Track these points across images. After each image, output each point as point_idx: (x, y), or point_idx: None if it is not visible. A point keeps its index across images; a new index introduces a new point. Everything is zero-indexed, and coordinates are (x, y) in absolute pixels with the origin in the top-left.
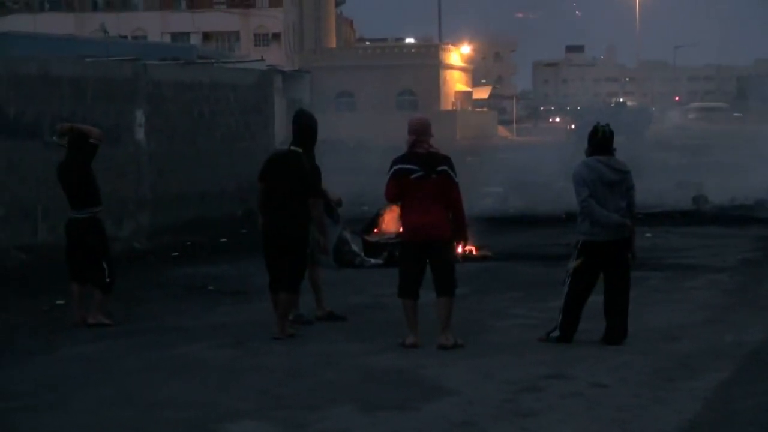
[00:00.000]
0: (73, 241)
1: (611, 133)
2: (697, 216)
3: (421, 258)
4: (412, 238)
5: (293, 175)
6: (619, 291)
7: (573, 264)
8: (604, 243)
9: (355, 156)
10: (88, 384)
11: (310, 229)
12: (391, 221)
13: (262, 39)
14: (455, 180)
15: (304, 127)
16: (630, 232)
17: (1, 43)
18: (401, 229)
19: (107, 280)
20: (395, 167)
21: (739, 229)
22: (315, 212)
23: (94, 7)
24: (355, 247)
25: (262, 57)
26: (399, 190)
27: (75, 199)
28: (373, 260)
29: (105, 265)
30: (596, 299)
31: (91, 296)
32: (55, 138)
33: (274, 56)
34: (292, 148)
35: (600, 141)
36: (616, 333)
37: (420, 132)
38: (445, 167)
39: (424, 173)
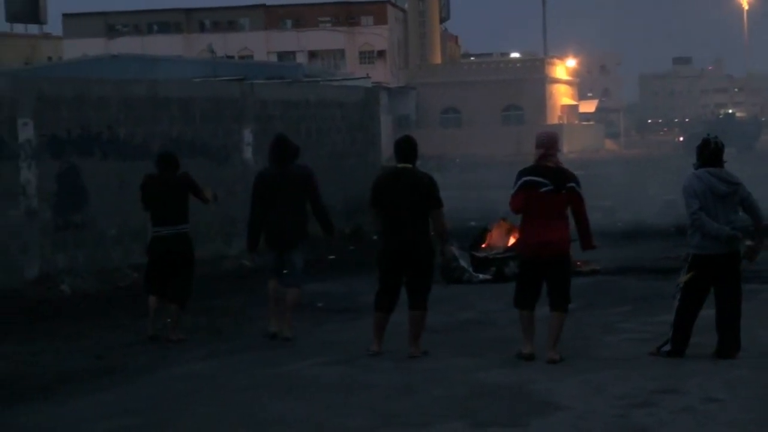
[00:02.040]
0: (159, 258)
1: (722, 145)
2: None
3: (541, 272)
4: (536, 252)
5: (412, 191)
6: (731, 304)
7: (683, 278)
8: (714, 256)
9: (462, 172)
10: (198, 401)
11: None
12: (499, 236)
13: (368, 56)
14: (582, 196)
15: (408, 143)
16: (757, 244)
17: (112, 65)
18: (520, 242)
19: (187, 296)
20: (525, 178)
21: None
22: (437, 223)
23: (201, 29)
24: (464, 263)
25: (367, 74)
26: (525, 202)
27: (167, 215)
28: (481, 276)
29: (190, 283)
30: (708, 312)
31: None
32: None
33: (380, 73)
34: (401, 165)
35: (711, 153)
36: (728, 347)
37: (549, 146)
38: (573, 184)
39: (554, 188)
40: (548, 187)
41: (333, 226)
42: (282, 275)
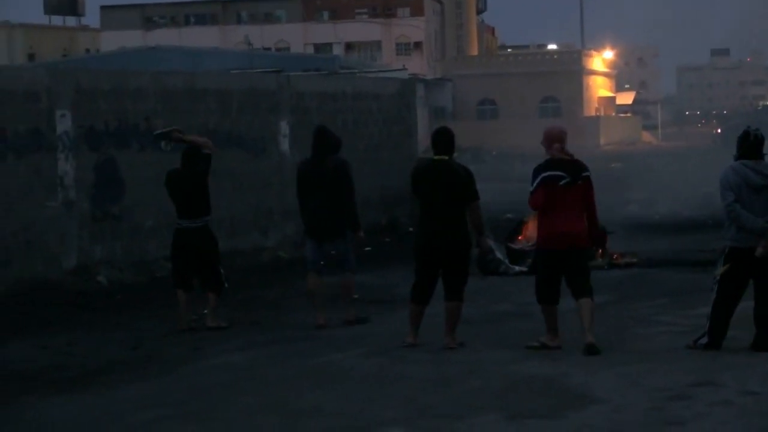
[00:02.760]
0: (183, 249)
1: (762, 137)
2: None
3: (561, 264)
4: (557, 245)
5: (449, 183)
6: None
7: (720, 270)
8: (750, 249)
9: (499, 163)
10: (234, 392)
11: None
12: (534, 228)
13: (404, 48)
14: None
15: (445, 135)
16: None
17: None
18: (541, 235)
19: (225, 284)
20: (544, 174)
21: None
22: (474, 215)
23: (238, 20)
24: (500, 255)
25: (404, 66)
26: (546, 198)
27: (189, 209)
28: (517, 268)
29: (221, 270)
30: (745, 305)
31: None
32: (159, 138)
33: (416, 65)
34: (437, 157)
35: (751, 145)
36: (766, 340)
37: (563, 139)
38: (587, 173)
39: (572, 180)
40: (566, 179)
41: (358, 224)
42: (321, 267)
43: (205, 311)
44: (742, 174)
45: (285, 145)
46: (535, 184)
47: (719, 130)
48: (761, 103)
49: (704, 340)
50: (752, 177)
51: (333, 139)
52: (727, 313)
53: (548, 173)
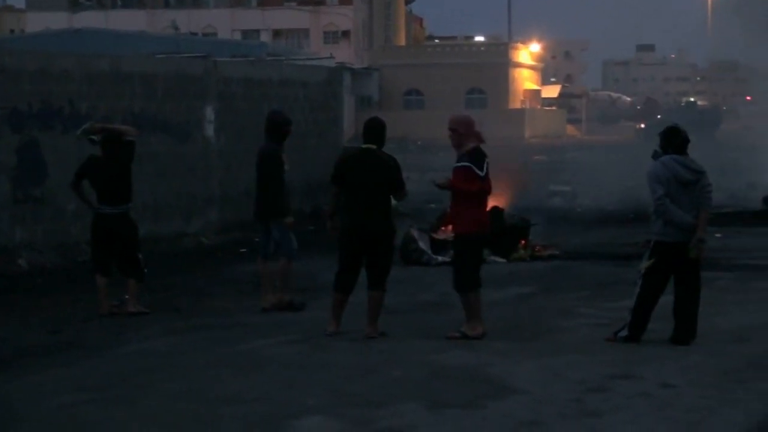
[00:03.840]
0: (102, 235)
1: (686, 132)
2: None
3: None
4: (483, 230)
5: (375, 172)
6: (690, 292)
7: (645, 264)
8: (676, 243)
9: (424, 154)
10: (156, 378)
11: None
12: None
13: (332, 36)
14: None
15: (377, 125)
16: (699, 232)
17: (75, 39)
18: (469, 221)
19: (145, 270)
20: (471, 162)
21: None
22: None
23: (166, 5)
24: (423, 245)
25: (331, 54)
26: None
27: (110, 195)
28: (440, 258)
29: (140, 257)
30: (666, 299)
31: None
32: (84, 136)
33: (344, 54)
34: (365, 146)
35: (683, 141)
36: (684, 333)
37: (475, 127)
38: (488, 160)
39: (486, 167)
40: (486, 167)
41: (278, 211)
42: (266, 252)
43: (126, 297)
44: (671, 169)
45: (210, 130)
46: (485, 170)
47: (643, 125)
48: (684, 99)
49: (624, 333)
50: (681, 172)
51: (272, 124)
52: (649, 307)
53: (474, 161)
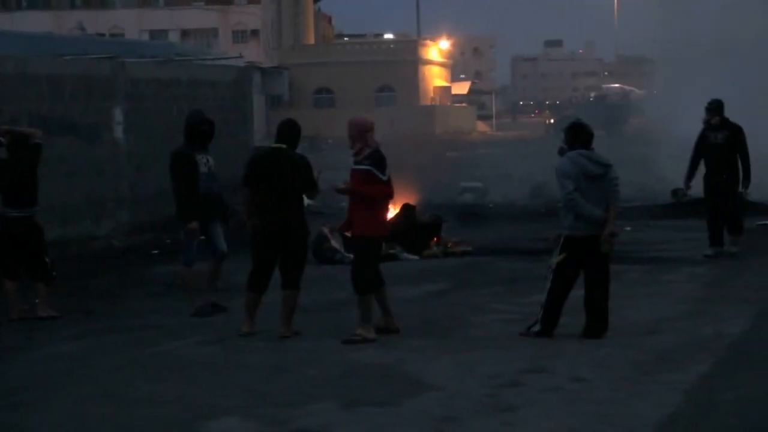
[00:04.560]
0: (9, 239)
1: (590, 127)
2: (676, 209)
3: None
4: (383, 233)
5: (286, 171)
6: (599, 285)
7: (556, 259)
8: (585, 237)
9: (336, 152)
10: (69, 381)
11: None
12: None
13: (241, 36)
14: None
15: (289, 125)
16: (609, 226)
17: None
18: (380, 225)
19: (54, 273)
20: (373, 166)
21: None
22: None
23: (72, 5)
24: (336, 243)
25: (240, 54)
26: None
27: (16, 198)
28: (352, 256)
29: (48, 260)
30: (576, 293)
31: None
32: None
33: (253, 53)
34: (276, 145)
35: (587, 137)
36: (596, 327)
37: (373, 130)
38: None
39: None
40: (387, 172)
41: (180, 215)
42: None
43: (37, 301)
44: (579, 164)
45: (119, 132)
46: (385, 176)
47: (552, 121)
48: (593, 94)
49: (537, 328)
50: (589, 166)
51: (186, 123)
52: (560, 301)
53: (380, 167)
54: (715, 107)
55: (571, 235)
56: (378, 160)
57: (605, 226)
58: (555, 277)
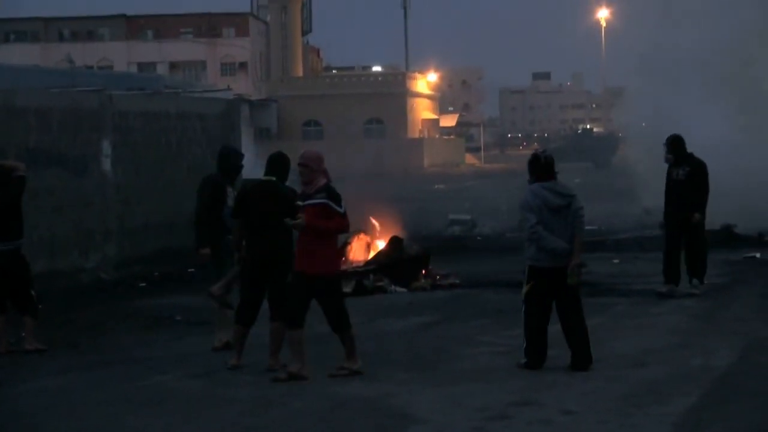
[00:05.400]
0: None
1: (552, 159)
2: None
3: None
4: (334, 271)
5: (274, 203)
6: (573, 316)
7: (524, 289)
8: (550, 269)
9: None
10: (53, 417)
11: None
12: (359, 250)
13: (229, 68)
14: None
15: (279, 158)
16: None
17: None
18: (341, 261)
19: (39, 307)
20: (330, 200)
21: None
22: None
23: (60, 38)
24: None
25: (228, 86)
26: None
27: (2, 231)
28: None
29: (33, 293)
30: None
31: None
32: None
33: (241, 86)
34: (265, 178)
35: (543, 167)
36: (581, 359)
37: (324, 163)
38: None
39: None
40: (343, 205)
41: (196, 241)
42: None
43: (23, 334)
44: (541, 196)
45: (107, 164)
46: (343, 210)
47: None
48: (581, 126)
49: (523, 360)
50: (551, 198)
51: (228, 159)
52: (538, 331)
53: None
54: (670, 143)
55: (535, 265)
56: (333, 192)
57: (571, 257)
58: (527, 307)
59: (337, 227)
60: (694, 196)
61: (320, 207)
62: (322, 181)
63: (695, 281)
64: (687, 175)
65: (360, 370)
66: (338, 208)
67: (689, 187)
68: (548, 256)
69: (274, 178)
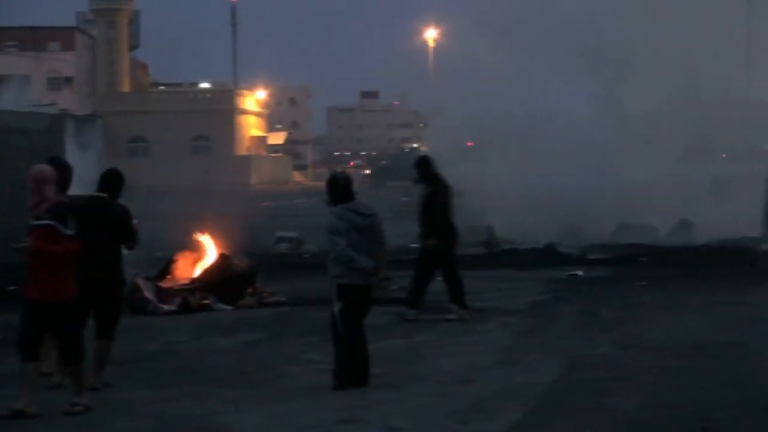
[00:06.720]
0: None
1: (350, 180)
2: (489, 259)
3: None
4: (69, 298)
5: (104, 220)
6: (361, 334)
7: (337, 307)
8: (357, 286)
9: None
10: None
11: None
12: (184, 267)
13: (55, 83)
14: None
15: (112, 175)
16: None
17: None
18: (44, 290)
19: None
20: (55, 221)
21: (530, 272)
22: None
23: None
24: (149, 294)
25: (53, 101)
26: None
27: None
28: (166, 307)
29: None
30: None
31: None
32: None
33: (67, 100)
34: (96, 194)
35: (343, 189)
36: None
37: (53, 180)
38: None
39: (75, 225)
40: (72, 225)
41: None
42: None
43: None
44: (346, 218)
45: None
46: (71, 228)
47: (368, 171)
48: (408, 145)
49: (335, 383)
50: (355, 219)
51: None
52: (355, 348)
53: (72, 217)
54: (415, 163)
55: (344, 283)
56: (60, 213)
57: (376, 273)
58: (343, 325)
59: (65, 250)
60: (428, 220)
61: (44, 229)
62: (52, 200)
63: (454, 307)
64: (428, 197)
65: (91, 406)
66: (64, 230)
67: (428, 210)
68: (357, 274)
69: (105, 195)
